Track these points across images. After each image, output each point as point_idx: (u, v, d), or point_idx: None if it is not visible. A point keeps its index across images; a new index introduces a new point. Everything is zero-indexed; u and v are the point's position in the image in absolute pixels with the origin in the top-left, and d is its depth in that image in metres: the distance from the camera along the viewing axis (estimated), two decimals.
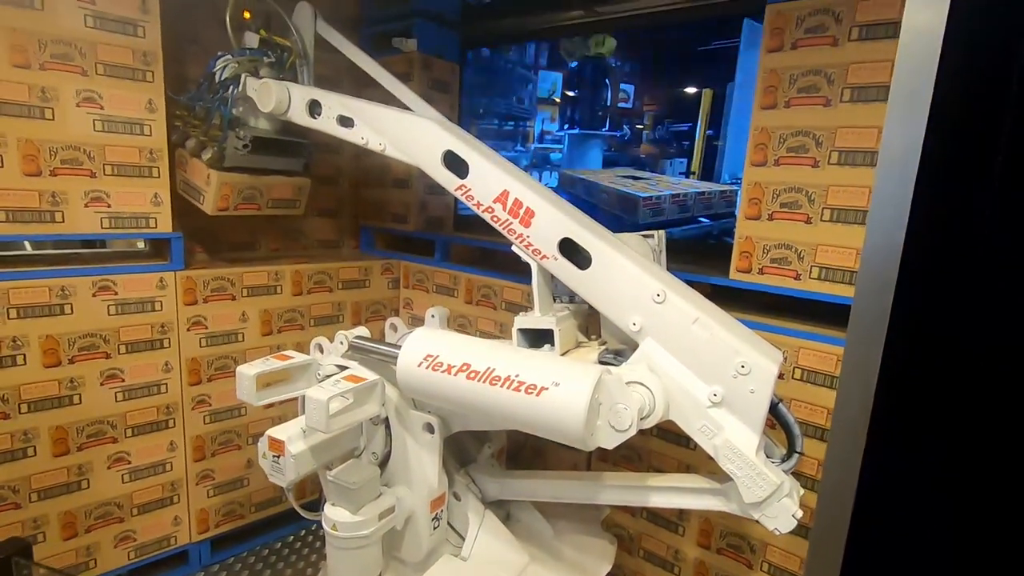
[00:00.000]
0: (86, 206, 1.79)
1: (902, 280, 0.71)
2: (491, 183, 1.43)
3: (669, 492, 1.36)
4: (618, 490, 1.44)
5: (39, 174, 1.70)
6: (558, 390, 1.10)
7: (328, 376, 1.45)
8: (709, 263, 1.92)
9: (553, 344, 1.41)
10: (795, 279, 1.58)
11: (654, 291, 1.23)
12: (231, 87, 1.87)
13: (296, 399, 1.49)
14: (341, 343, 1.61)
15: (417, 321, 2.41)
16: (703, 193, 2.75)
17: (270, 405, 1.51)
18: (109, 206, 1.83)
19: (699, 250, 2.09)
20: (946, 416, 0.89)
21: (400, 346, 1.31)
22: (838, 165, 1.48)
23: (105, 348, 1.86)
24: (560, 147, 2.53)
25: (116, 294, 1.85)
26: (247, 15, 1.91)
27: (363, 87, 2.01)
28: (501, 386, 1.15)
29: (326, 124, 1.74)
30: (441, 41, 2.55)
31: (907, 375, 0.80)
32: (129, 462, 1.96)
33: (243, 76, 1.85)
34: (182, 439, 2.06)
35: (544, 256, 1.38)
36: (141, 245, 2.23)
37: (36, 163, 1.69)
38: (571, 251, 1.35)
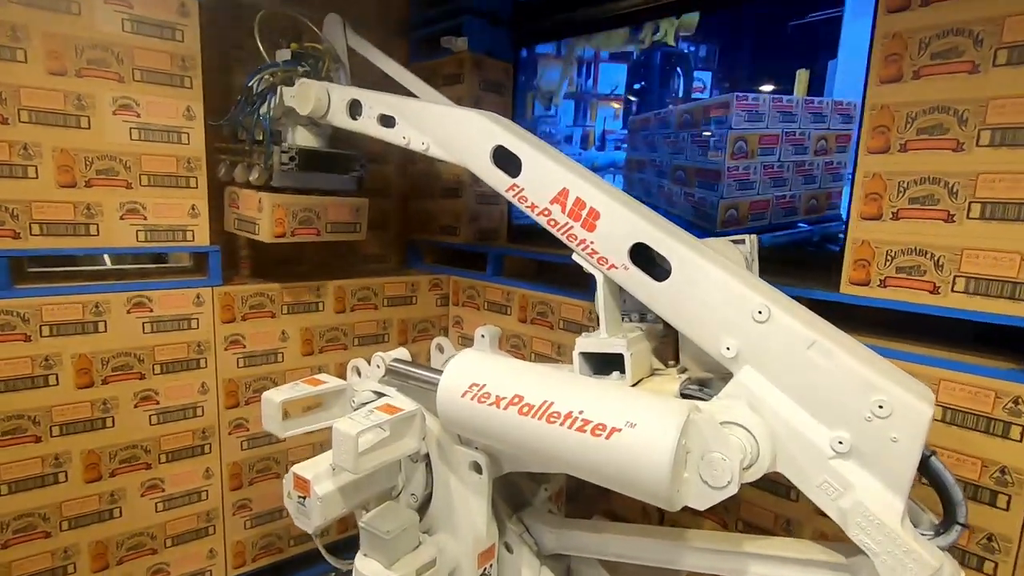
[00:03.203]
0: (121, 218, 1.71)
1: None
2: (547, 181, 1.22)
3: (773, 562, 1.07)
4: (705, 554, 1.16)
5: (74, 185, 1.63)
6: (634, 432, 0.86)
7: (362, 404, 1.27)
8: (806, 274, 1.62)
9: (623, 372, 1.17)
10: (932, 292, 1.27)
11: (755, 307, 0.98)
12: (268, 96, 1.78)
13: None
14: (378, 366, 1.44)
15: (467, 341, 2.22)
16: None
17: (310, 431, 1.35)
18: (145, 218, 1.75)
19: (794, 259, 1.79)
20: None
21: (442, 371, 1.12)
22: (991, 147, 1.16)
23: (139, 368, 1.76)
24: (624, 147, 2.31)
25: (151, 311, 1.76)
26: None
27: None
28: (561, 424, 0.93)
29: (367, 125, 1.59)
30: (492, 39, 2.39)
31: None
32: (163, 489, 1.85)
33: (279, 88, 1.76)
34: (218, 466, 1.94)
35: (612, 266, 1.15)
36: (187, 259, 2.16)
37: (71, 174, 1.63)
38: (645, 259, 1.11)
